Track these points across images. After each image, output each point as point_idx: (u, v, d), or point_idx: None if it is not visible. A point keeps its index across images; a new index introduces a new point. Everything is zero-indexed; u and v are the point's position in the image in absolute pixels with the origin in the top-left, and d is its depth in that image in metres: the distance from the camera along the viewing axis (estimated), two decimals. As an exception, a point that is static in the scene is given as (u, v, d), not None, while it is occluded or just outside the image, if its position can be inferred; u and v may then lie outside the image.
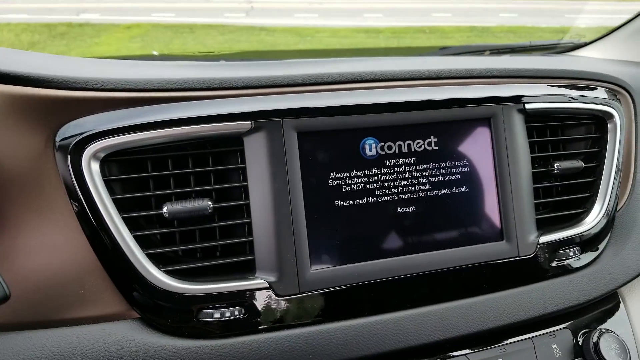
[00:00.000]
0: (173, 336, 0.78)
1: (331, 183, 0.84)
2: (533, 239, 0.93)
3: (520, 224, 0.91)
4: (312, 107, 0.83)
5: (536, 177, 0.98)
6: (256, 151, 0.81)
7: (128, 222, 0.78)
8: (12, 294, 0.74)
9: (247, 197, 0.82)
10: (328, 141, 0.84)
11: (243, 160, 0.82)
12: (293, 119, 0.82)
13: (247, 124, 0.80)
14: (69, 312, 0.77)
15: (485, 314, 0.89)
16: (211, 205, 0.79)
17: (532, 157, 0.96)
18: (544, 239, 0.94)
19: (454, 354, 0.88)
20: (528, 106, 0.95)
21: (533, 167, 0.96)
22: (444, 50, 1.73)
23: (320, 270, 0.82)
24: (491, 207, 0.91)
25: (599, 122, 1.05)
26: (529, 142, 0.96)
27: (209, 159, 0.84)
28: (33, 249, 0.77)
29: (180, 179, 0.83)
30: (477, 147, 0.91)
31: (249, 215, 0.81)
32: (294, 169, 0.81)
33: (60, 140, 0.77)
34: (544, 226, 0.96)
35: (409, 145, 0.88)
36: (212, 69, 0.94)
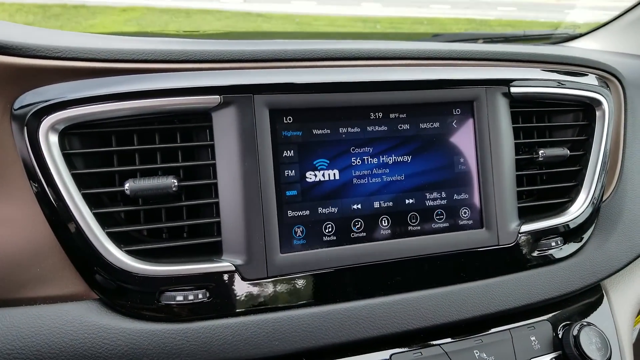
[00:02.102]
0: (133, 319, 0.75)
1: (304, 164, 0.80)
2: (514, 228, 0.89)
3: (501, 211, 0.88)
4: (285, 83, 0.79)
5: (520, 164, 0.95)
6: (225, 128, 0.77)
7: (89, 198, 0.74)
8: None
9: (215, 176, 0.78)
10: (302, 120, 0.80)
11: (212, 137, 0.78)
12: (265, 95, 0.78)
13: (216, 98, 0.76)
14: (24, 291, 0.73)
15: (462, 303, 0.85)
16: (176, 184, 0.75)
17: (516, 143, 0.93)
18: (526, 227, 0.90)
19: (429, 343, 0.85)
20: (513, 90, 0.91)
21: (517, 154, 0.93)
22: (436, 38, 1.69)
23: (290, 254, 0.79)
24: (471, 193, 0.88)
25: (587, 109, 1.01)
26: (514, 127, 0.92)
27: (177, 134, 0.80)
28: None
29: (147, 155, 0.79)
30: (458, 131, 0.88)
31: (216, 195, 0.78)
32: (265, 148, 0.78)
33: (16, 110, 0.73)
34: (526, 215, 0.93)
35: (389, 127, 0.84)
36: (189, 44, 0.90)
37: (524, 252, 0.91)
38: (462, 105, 0.88)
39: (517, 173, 0.92)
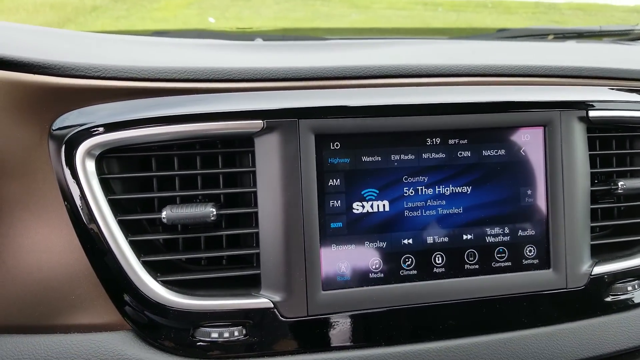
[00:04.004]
0: (167, 353, 0.72)
1: (351, 194, 0.74)
2: (585, 269, 0.80)
3: (571, 250, 0.79)
4: (333, 107, 0.73)
5: (595, 196, 0.85)
6: (268, 154, 0.72)
7: (125, 225, 0.71)
8: (1, 294, 0.70)
9: (255, 204, 0.73)
10: (350, 146, 0.74)
11: (254, 163, 0.73)
12: (311, 120, 0.72)
13: (259, 123, 0.71)
14: (59, 319, 0.72)
15: (522, 352, 0.77)
16: (214, 212, 0.70)
17: (592, 172, 0.82)
18: (599, 269, 0.81)
19: None
20: (592, 114, 0.80)
21: (592, 184, 0.83)
22: (501, 33, 1.55)
23: (332, 292, 0.73)
24: (539, 229, 0.79)
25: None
26: (590, 154, 0.82)
27: (219, 159, 0.76)
28: (25, 248, 0.71)
29: (187, 180, 0.76)
30: (526, 160, 0.78)
31: (257, 225, 0.73)
32: (309, 176, 0.72)
33: (54, 131, 0.70)
34: (599, 253, 0.83)
35: (447, 154, 0.76)
36: (239, 51, 0.85)
37: (595, 296, 0.81)
38: (532, 131, 0.78)
39: (592, 206, 0.82)
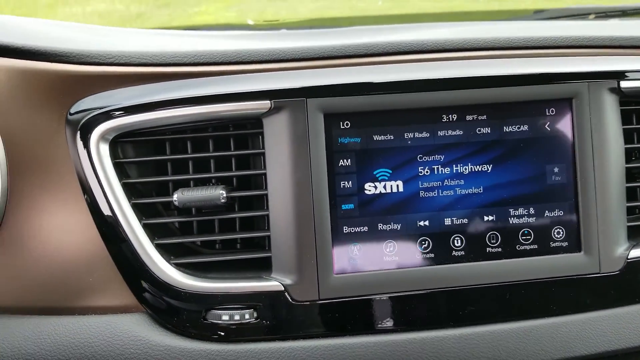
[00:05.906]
0: (179, 335, 0.72)
1: (363, 174, 0.71)
2: (621, 252, 0.74)
3: (604, 232, 0.73)
4: (341, 84, 0.71)
5: (632, 174, 0.78)
6: (276, 135, 0.71)
7: (140, 208, 0.72)
8: (22, 276, 0.72)
9: (266, 187, 0.72)
10: (361, 125, 0.71)
11: (263, 145, 0.72)
12: (319, 99, 0.70)
13: (266, 103, 0.70)
14: (77, 300, 0.74)
15: (551, 341, 0.73)
16: (224, 194, 0.70)
17: (626, 148, 0.76)
18: (636, 252, 0.75)
19: None
20: (624, 85, 0.74)
21: (628, 162, 0.77)
22: (539, 14, 1.48)
23: (344, 275, 0.71)
24: (568, 209, 0.74)
25: None
26: (624, 129, 0.76)
27: (231, 141, 0.76)
28: (45, 231, 0.74)
29: (202, 165, 0.76)
30: (552, 135, 0.74)
31: (267, 207, 0.72)
32: (319, 157, 0.70)
33: (70, 116, 0.72)
34: (637, 236, 0.77)
35: (465, 131, 0.73)
36: (260, 39, 0.86)
37: (632, 282, 0.75)
38: (557, 104, 0.73)
39: (627, 185, 0.76)
